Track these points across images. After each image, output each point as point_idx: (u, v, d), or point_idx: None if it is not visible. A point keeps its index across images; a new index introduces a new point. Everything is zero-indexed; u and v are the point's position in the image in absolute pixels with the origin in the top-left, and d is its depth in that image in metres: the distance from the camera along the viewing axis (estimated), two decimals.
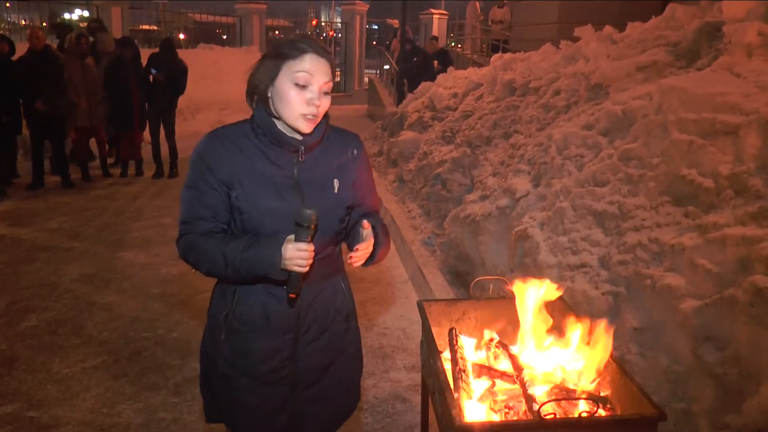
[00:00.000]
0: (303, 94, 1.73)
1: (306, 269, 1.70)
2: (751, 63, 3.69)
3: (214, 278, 1.93)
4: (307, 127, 1.77)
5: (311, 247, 1.69)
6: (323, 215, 1.74)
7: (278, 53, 1.76)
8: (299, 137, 1.82)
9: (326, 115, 1.86)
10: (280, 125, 1.82)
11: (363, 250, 1.78)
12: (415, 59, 13.48)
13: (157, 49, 9.05)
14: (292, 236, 1.69)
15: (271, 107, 1.80)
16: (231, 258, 1.74)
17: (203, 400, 2.11)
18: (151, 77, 8.36)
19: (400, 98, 12.84)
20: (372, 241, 1.82)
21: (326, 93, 1.77)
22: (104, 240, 6.16)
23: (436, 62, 13.52)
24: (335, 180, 1.88)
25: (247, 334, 1.90)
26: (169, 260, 5.62)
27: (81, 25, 18.42)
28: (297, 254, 1.67)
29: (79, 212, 7.09)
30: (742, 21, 4.05)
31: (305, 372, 1.97)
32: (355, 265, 1.83)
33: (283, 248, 1.68)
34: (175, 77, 8.53)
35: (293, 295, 1.79)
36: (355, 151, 1.97)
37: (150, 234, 6.40)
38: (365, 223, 1.79)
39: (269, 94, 1.78)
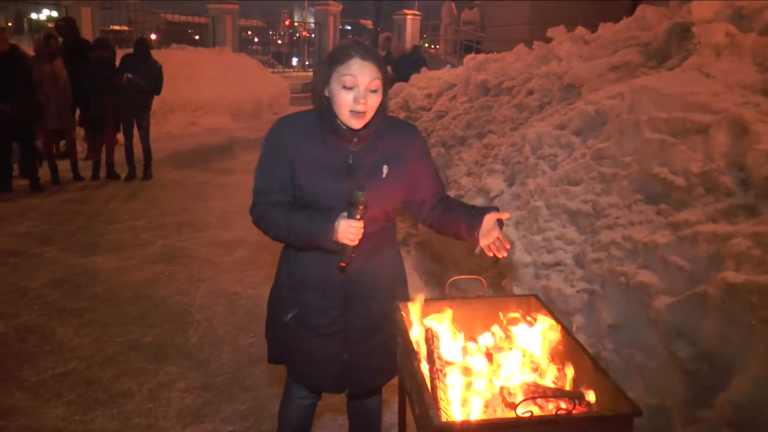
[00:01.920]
0: (350, 95, 1.99)
1: (355, 243, 1.98)
2: (720, 63, 3.75)
3: (279, 242, 2.23)
4: (356, 124, 2.03)
5: (361, 223, 1.97)
6: (372, 196, 2.01)
7: (330, 58, 2.03)
8: (355, 128, 2.06)
9: (382, 109, 2.10)
10: (339, 120, 2.06)
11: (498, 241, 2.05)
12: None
13: (130, 50, 8.93)
14: (345, 213, 1.96)
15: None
16: (293, 227, 2.06)
17: (267, 344, 2.45)
18: (125, 78, 8.21)
19: None
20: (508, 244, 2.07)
21: (374, 91, 2.01)
22: (75, 244, 6.05)
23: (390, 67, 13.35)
24: (384, 166, 2.13)
25: (303, 291, 2.22)
26: (142, 264, 5.54)
27: (49, 25, 18.13)
28: (348, 229, 1.95)
29: (49, 216, 6.96)
30: (710, 22, 4.12)
31: (355, 330, 2.25)
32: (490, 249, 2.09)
33: (336, 223, 1.96)
34: (150, 79, 8.43)
35: (343, 264, 2.07)
36: (409, 140, 2.21)
37: (123, 237, 6.30)
38: (500, 215, 2.06)
39: (327, 94, 2.06)
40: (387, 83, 2.08)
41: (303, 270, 2.21)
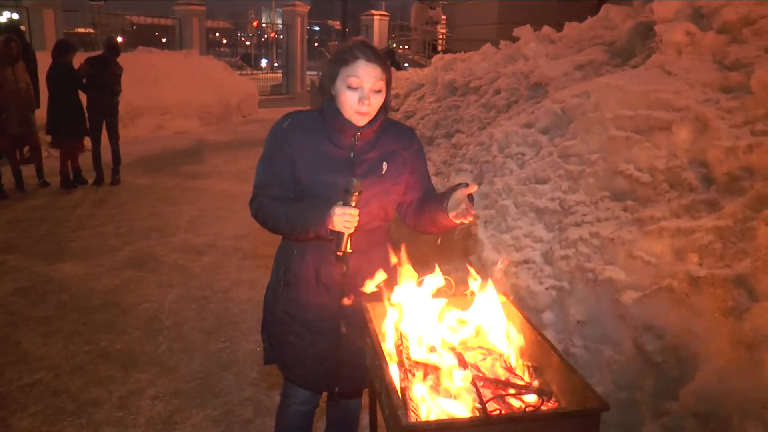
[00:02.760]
0: (355, 95, 2.06)
1: (351, 230, 2.00)
2: (681, 61, 3.83)
3: (277, 234, 2.25)
4: (360, 121, 2.11)
5: (356, 211, 1.98)
6: (371, 192, 2.10)
7: (337, 59, 2.10)
8: (359, 125, 2.13)
9: (385, 109, 2.19)
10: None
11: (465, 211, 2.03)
12: None
13: (95, 53, 8.78)
14: (341, 201, 1.99)
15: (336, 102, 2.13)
16: (290, 217, 2.10)
17: (262, 344, 2.45)
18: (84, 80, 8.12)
19: None
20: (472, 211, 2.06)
21: (377, 91, 2.08)
22: (41, 251, 5.93)
23: None
24: (384, 163, 2.20)
25: (299, 286, 2.26)
26: (110, 270, 5.46)
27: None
28: (343, 216, 1.97)
29: (13, 223, 6.81)
30: (671, 21, 4.19)
31: (349, 327, 2.28)
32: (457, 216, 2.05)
33: (332, 210, 1.98)
34: (117, 79, 8.36)
35: (340, 253, 2.05)
36: (407, 141, 2.29)
37: (90, 244, 6.19)
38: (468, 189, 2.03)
39: (333, 92, 2.13)
40: (389, 83, 2.14)
41: (299, 266, 2.25)
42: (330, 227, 2.00)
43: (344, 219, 1.98)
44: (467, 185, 2.05)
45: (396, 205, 2.33)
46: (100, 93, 8.28)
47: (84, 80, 8.21)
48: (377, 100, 2.10)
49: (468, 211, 2.03)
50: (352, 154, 2.17)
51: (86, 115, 8.36)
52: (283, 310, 2.31)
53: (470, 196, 2.08)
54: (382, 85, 2.09)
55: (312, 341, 2.30)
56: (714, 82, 3.42)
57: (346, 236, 2.01)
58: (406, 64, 13.09)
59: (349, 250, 2.05)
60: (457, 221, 2.08)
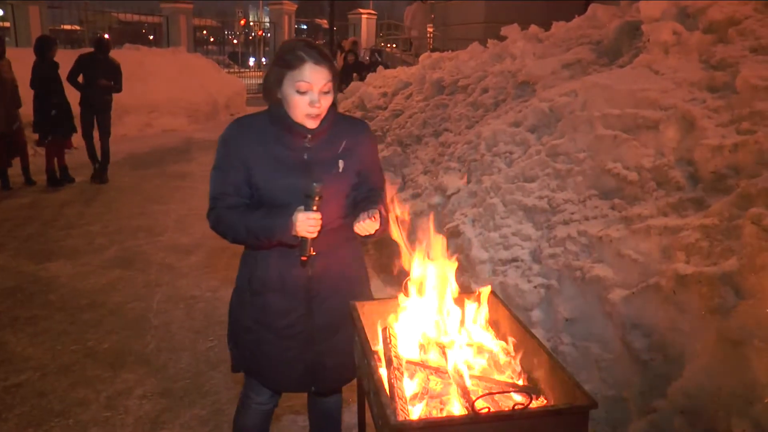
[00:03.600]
0: (305, 99, 2.02)
1: (314, 235, 1.99)
2: (668, 60, 3.85)
3: (239, 245, 2.21)
4: (311, 124, 2.07)
5: (318, 215, 1.98)
6: (330, 191, 2.04)
7: (281, 62, 2.04)
8: (310, 128, 2.09)
9: (334, 105, 2.13)
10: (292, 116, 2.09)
11: (367, 221, 2.04)
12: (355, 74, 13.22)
13: (83, 50, 8.78)
14: (302, 206, 1.98)
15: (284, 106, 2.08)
16: (251, 226, 2.06)
17: (230, 353, 2.40)
18: (102, 83, 8.23)
19: None
20: (376, 216, 2.06)
21: (326, 92, 2.04)
22: (27, 251, 5.88)
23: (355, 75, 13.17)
24: (340, 161, 2.16)
25: (265, 294, 2.22)
26: (98, 269, 5.42)
27: None
28: (306, 221, 1.96)
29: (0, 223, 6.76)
30: (658, 21, 4.22)
31: (319, 329, 2.25)
32: (359, 230, 2.07)
33: (294, 216, 1.97)
34: (110, 77, 8.38)
35: (304, 258, 2.05)
36: (360, 136, 2.24)
37: (78, 243, 6.14)
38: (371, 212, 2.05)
39: (279, 96, 2.07)
40: (337, 80, 2.09)
41: (264, 273, 2.21)
42: (293, 233, 1.99)
43: (308, 225, 1.96)
44: (376, 208, 2.06)
45: (353, 200, 2.27)
46: (90, 89, 8.29)
47: (80, 78, 8.27)
48: (327, 101, 2.07)
49: (365, 220, 2.02)
50: (306, 155, 2.12)
51: (80, 111, 8.39)
52: (251, 318, 2.27)
53: (380, 213, 2.08)
54: (330, 85, 2.05)
55: (284, 347, 2.26)
56: (700, 81, 3.44)
57: (310, 241, 2.00)
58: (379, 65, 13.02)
59: (312, 252, 2.05)
60: (364, 234, 2.08)
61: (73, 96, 8.39)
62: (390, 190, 2.36)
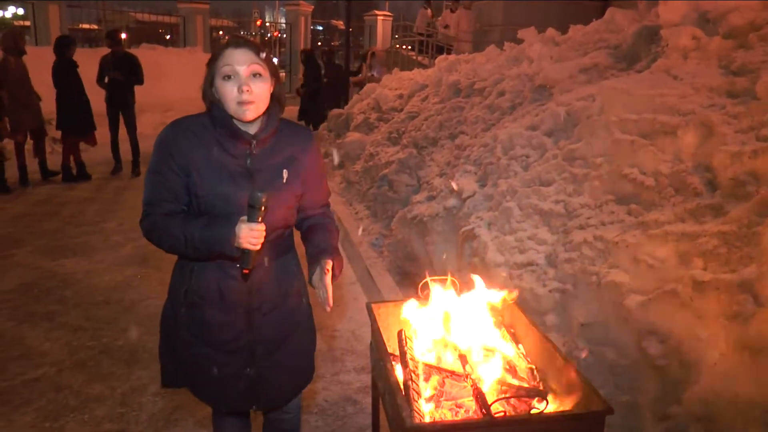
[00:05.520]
0: (233, 85, 1.90)
1: (258, 247, 1.86)
2: (687, 65, 3.83)
3: (174, 255, 2.08)
4: (247, 115, 1.92)
5: (262, 226, 1.85)
6: (273, 201, 1.90)
7: (210, 59, 1.96)
8: (252, 131, 1.99)
9: (277, 106, 2.03)
10: (236, 120, 1.97)
11: (328, 293, 1.97)
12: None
13: (105, 51, 9.00)
14: (245, 217, 1.84)
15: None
16: (190, 236, 1.91)
17: (161, 367, 2.26)
18: (113, 75, 8.47)
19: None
20: (329, 276, 2.00)
21: (256, 75, 1.92)
22: (44, 247, 5.94)
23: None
24: (284, 170, 2.04)
25: (203, 307, 2.08)
26: (113, 266, 5.46)
27: (15, 23, 17.79)
28: (249, 233, 1.83)
29: (17, 218, 6.82)
30: (677, 25, 4.19)
31: (261, 343, 2.13)
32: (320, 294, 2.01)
33: (236, 227, 1.84)
34: (126, 71, 8.58)
35: (246, 271, 1.96)
36: (306, 145, 2.13)
37: (93, 240, 6.20)
38: (326, 266, 1.99)
39: (216, 96, 1.96)
40: (275, 74, 2.00)
41: (202, 285, 2.07)
42: (235, 245, 1.86)
43: (251, 236, 1.83)
44: (330, 257, 2.02)
45: (295, 211, 2.18)
46: (113, 86, 8.57)
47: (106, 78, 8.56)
48: (259, 88, 1.93)
49: (327, 302, 1.97)
50: (248, 162, 2.00)
51: (106, 107, 8.72)
52: (188, 332, 2.12)
53: (334, 270, 2.04)
54: (259, 69, 1.92)
55: (223, 362, 2.13)
56: (720, 87, 3.42)
57: (253, 253, 1.88)
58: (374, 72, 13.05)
59: (254, 266, 1.95)
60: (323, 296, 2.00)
61: (101, 94, 8.71)
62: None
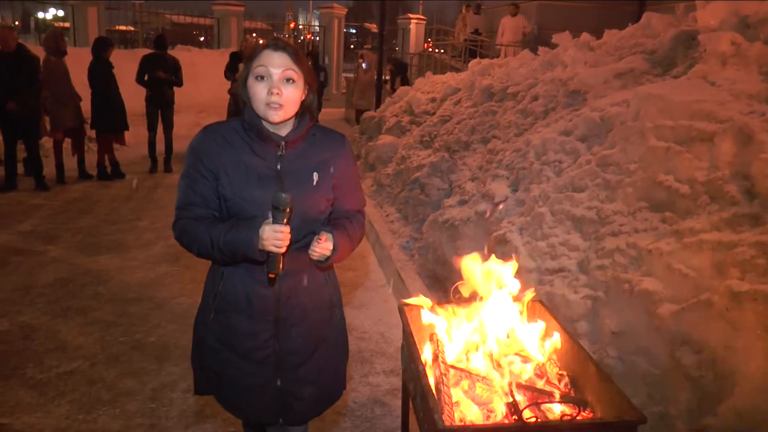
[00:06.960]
0: (264, 86, 1.90)
1: (283, 250, 1.84)
2: (725, 71, 3.76)
3: (207, 259, 2.08)
4: (274, 116, 1.92)
5: (287, 228, 1.82)
6: (302, 205, 1.92)
7: (247, 58, 1.97)
8: (282, 134, 1.99)
9: (308, 110, 2.03)
10: (266, 123, 1.97)
11: (317, 245, 1.91)
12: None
13: (146, 51, 9.40)
14: (270, 219, 1.83)
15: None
16: (216, 240, 1.91)
17: (193, 373, 2.25)
18: (160, 75, 8.90)
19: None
20: (324, 238, 1.93)
21: (289, 80, 1.92)
22: (79, 243, 6.07)
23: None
24: (315, 173, 2.02)
25: (230, 313, 2.07)
26: (145, 264, 5.56)
27: (56, 24, 18.18)
28: (273, 235, 1.81)
29: (54, 215, 6.98)
30: (715, 30, 4.12)
31: (288, 354, 2.09)
32: (311, 254, 1.94)
33: (260, 229, 1.82)
34: (170, 72, 9.07)
35: (272, 275, 1.93)
36: (338, 149, 2.11)
37: (126, 237, 6.32)
38: (320, 235, 1.92)
39: (248, 96, 1.97)
40: (310, 80, 2.00)
41: (230, 290, 2.07)
42: (260, 248, 1.84)
43: (275, 238, 1.81)
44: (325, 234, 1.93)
45: (326, 216, 2.13)
46: (154, 86, 8.94)
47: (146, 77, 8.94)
48: (290, 92, 1.92)
49: (315, 244, 1.91)
50: (279, 166, 1.99)
51: (146, 106, 9.12)
52: (216, 339, 2.12)
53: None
54: (293, 74, 1.92)
55: (249, 371, 2.10)
56: (760, 93, 3.35)
57: (278, 257, 1.85)
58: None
59: (281, 271, 1.90)
60: (313, 256, 1.95)
61: (138, 94, 8.87)
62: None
